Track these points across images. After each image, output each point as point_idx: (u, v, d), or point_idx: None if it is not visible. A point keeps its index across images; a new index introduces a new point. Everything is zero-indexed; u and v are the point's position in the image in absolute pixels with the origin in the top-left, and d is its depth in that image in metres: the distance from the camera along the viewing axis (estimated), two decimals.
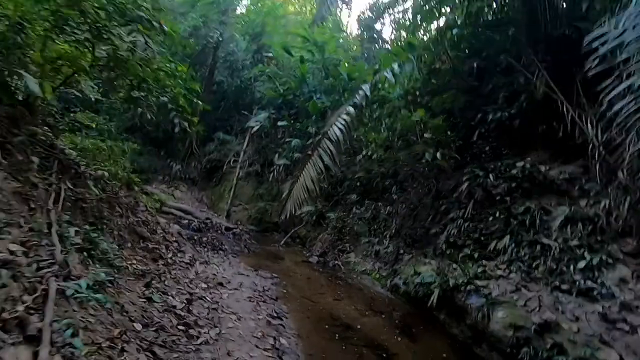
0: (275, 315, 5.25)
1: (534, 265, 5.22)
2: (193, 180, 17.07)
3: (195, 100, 7.11)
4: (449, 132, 7.97)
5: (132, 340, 3.09)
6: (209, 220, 11.70)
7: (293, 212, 6.80)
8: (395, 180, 9.65)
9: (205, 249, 8.40)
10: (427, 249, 7.28)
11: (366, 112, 9.08)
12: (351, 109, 7.18)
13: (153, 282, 4.64)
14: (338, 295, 6.88)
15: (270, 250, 10.21)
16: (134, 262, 4.96)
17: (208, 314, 4.52)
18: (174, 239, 7.53)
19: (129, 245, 5.50)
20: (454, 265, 6.19)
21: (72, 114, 9.78)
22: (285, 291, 6.60)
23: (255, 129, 15.04)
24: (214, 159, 17.45)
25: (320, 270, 8.62)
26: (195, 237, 9.09)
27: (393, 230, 8.51)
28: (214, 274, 6.36)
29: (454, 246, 6.68)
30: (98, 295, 2.80)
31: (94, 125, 10.15)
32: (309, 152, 6.25)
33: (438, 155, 7.43)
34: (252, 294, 5.89)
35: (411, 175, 9.21)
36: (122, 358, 2.74)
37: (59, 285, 2.65)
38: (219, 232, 10.88)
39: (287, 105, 15.75)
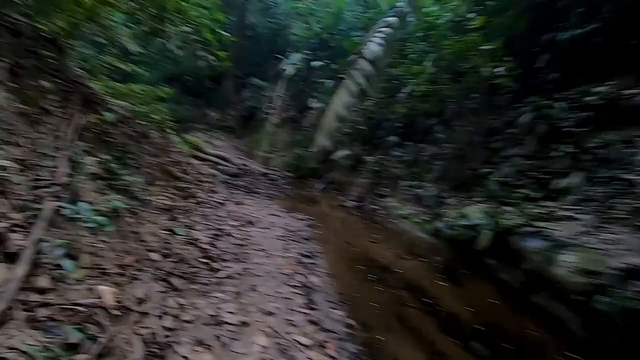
0: (306, 254, 4.98)
1: (611, 205, 4.36)
2: (231, 129, 16.97)
3: (220, 31, 6.53)
4: (505, 59, 6.77)
5: (147, 269, 2.90)
6: (245, 166, 11.59)
7: (324, 146, 6.19)
8: (441, 119, 8.67)
9: (239, 192, 8.29)
10: (475, 191, 6.54)
11: (410, 40, 7.90)
12: (392, 19, 5.98)
13: (179, 216, 4.50)
14: (374, 238, 6.49)
15: (306, 195, 9.95)
16: (162, 198, 4.82)
17: (234, 249, 4.32)
18: (207, 179, 7.43)
19: (160, 183, 5.37)
20: (508, 207, 5.46)
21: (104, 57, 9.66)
22: (318, 232, 6.31)
23: (289, 72, 14.26)
24: (250, 106, 17.13)
25: (357, 214, 8.23)
26: (230, 181, 9.01)
27: (437, 173, 7.77)
28: (246, 214, 6.18)
29: (508, 186, 5.89)
30: (99, 218, 2.54)
31: (127, 69, 9.99)
32: (342, 76, 5.45)
33: (497, 70, 6.20)
34: (283, 234, 5.65)
35: (459, 113, 8.19)
36: (132, 284, 2.55)
37: (58, 207, 2.41)
38: (255, 177, 10.75)
39: (322, 45, 14.65)
